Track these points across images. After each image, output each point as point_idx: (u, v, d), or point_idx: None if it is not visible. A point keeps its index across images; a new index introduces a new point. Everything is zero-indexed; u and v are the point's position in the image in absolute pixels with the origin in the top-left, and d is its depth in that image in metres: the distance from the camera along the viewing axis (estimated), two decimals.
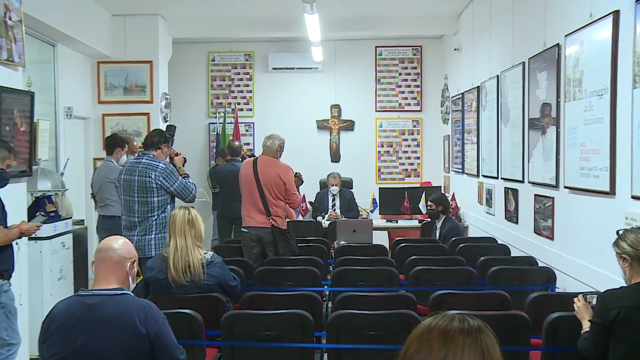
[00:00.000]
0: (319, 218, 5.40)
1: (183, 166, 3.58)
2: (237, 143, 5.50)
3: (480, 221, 5.00)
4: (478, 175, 5.08)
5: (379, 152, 7.04)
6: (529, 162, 3.74)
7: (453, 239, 4.07)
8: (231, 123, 6.86)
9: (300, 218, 5.51)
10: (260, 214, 3.71)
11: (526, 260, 3.42)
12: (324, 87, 6.95)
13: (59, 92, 4.63)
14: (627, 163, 2.43)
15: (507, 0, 4.15)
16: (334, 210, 5.68)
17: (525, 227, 3.82)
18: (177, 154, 3.58)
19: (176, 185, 3.31)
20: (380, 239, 5.33)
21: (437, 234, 4.45)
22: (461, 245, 3.81)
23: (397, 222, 5.49)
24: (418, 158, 7.04)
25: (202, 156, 6.99)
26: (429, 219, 4.67)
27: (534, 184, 3.66)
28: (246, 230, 3.76)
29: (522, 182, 3.89)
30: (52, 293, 3.53)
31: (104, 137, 4.99)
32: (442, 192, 6.01)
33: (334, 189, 5.63)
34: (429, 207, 4.50)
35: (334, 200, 5.76)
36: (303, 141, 6.93)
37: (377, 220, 5.66)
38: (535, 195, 3.62)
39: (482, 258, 3.40)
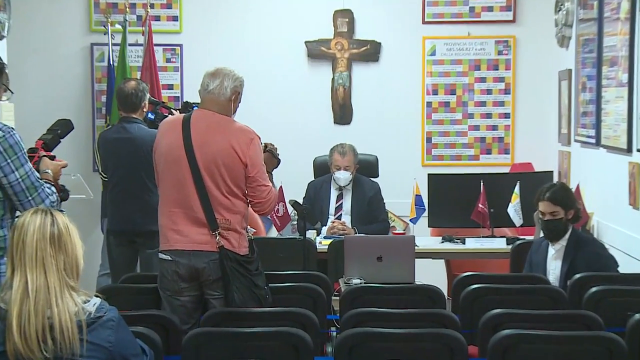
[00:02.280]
0: (311, 233, 5.37)
1: (57, 173, 3.67)
2: (132, 83, 5.38)
3: (633, 241, 4.97)
4: (629, 151, 5.08)
5: (429, 104, 6.98)
6: None
7: (577, 276, 4.07)
8: (137, 45, 6.82)
9: (275, 234, 5.62)
10: (196, 226, 3.74)
11: None
12: None
13: None
14: None
15: None
16: (341, 217, 5.66)
17: None
18: (51, 157, 3.67)
19: (15, 177, 3.33)
20: (431, 273, 5.30)
21: (556, 270, 4.43)
22: (594, 289, 3.80)
23: (463, 243, 5.48)
24: (507, 117, 6.96)
25: (82, 111, 6.93)
26: (544, 237, 4.55)
27: None
28: (169, 258, 3.78)
29: None
30: None
31: None
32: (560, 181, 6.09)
33: (342, 178, 5.63)
34: (548, 216, 4.40)
35: (340, 198, 5.75)
36: (280, 84, 6.87)
37: (425, 237, 5.63)
38: None
39: (637, 316, 3.35)
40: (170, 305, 3.78)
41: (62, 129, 3.85)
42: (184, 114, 3.97)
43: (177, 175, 3.75)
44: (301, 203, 5.29)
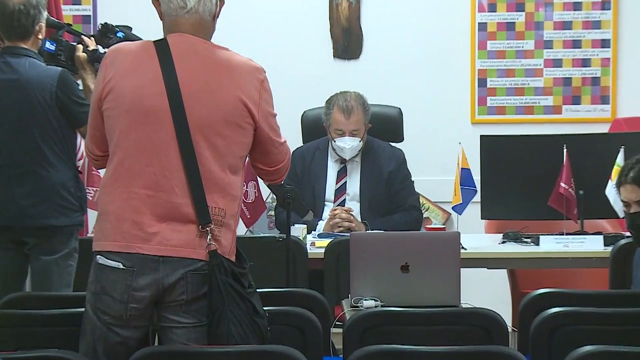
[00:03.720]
0: (299, 229, 5.44)
1: None
2: None
3: None
4: None
5: (482, 27, 7.12)
6: None
7: None
8: None
9: (243, 230, 5.53)
10: (172, 218, 3.73)
11: None
12: None
13: None
14: None
15: None
16: (344, 204, 5.73)
17: None
18: None
19: None
20: (487, 291, 5.69)
21: None
22: None
23: (536, 244, 5.53)
24: (605, 46, 7.04)
25: None
26: (633, 240, 4.65)
27: None
28: (120, 266, 3.70)
29: None
30: None
31: None
32: None
33: (348, 148, 5.74)
34: (635, 206, 4.56)
35: (344, 175, 5.82)
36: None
37: (476, 235, 5.71)
38: None
39: None
40: (104, 341, 3.61)
41: None
42: (153, 40, 3.78)
43: (151, 137, 3.70)
44: (285, 185, 5.15)
